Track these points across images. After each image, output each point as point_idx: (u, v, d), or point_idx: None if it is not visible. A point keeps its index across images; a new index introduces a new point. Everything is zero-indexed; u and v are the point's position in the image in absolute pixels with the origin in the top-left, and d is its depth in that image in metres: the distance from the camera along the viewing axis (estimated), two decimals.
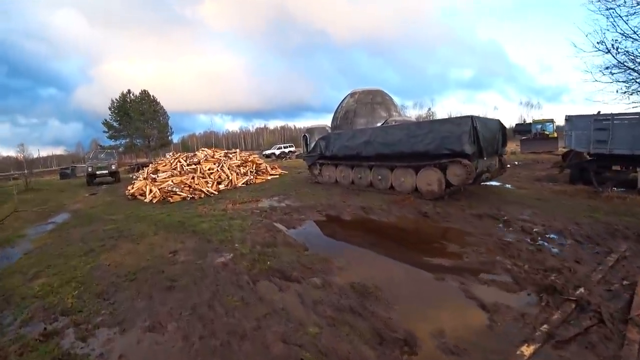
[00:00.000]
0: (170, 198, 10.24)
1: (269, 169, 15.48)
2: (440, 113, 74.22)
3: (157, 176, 11.91)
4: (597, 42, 9.65)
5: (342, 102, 41.36)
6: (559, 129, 24.20)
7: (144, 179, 12.23)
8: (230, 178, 12.50)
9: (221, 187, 11.84)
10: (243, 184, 12.74)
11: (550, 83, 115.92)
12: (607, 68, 9.97)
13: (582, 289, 3.62)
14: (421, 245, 5.10)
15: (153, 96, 41.92)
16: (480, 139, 7.84)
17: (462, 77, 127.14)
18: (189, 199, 10.28)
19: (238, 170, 13.49)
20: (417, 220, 6.62)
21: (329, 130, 41.45)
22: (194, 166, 12.61)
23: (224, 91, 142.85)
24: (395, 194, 9.06)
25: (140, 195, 11.22)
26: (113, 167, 18.82)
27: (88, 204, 11.10)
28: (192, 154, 14.46)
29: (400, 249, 4.94)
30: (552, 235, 5.38)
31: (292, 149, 41.11)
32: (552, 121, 25.95)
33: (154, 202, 10.27)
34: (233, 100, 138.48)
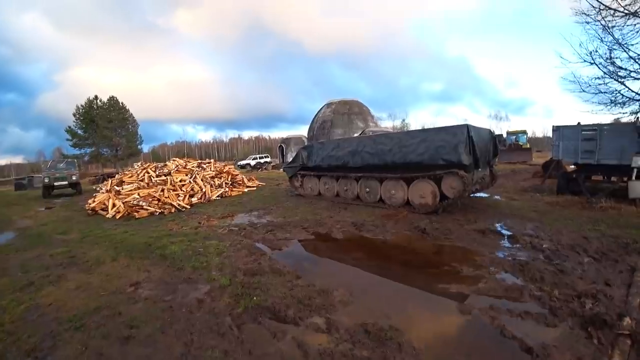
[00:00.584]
0: (136, 213, 9.12)
1: (245, 180, 14.56)
2: (414, 124, 75.77)
3: (122, 188, 10.71)
4: (588, 54, 9.71)
5: (318, 112, 41.14)
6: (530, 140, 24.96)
7: (107, 191, 10.98)
8: (203, 190, 11.50)
9: (194, 200, 10.82)
10: (218, 196, 11.77)
11: (515, 97, 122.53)
12: (597, 78, 10.04)
13: (627, 319, 3.10)
14: (430, 269, 4.46)
15: (122, 103, 39.76)
16: (476, 148, 7.46)
17: (433, 90, 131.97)
18: (157, 214, 9.21)
19: (212, 182, 12.50)
20: (417, 238, 6.01)
21: (305, 141, 40.98)
22: (163, 177, 11.51)
23: (196, 100, 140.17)
24: (385, 208, 8.49)
25: (102, 209, 9.99)
26: (74, 178, 17.18)
27: (39, 220, 9.72)
28: (161, 164, 13.32)
29: (408, 273, 4.28)
30: (565, 252, 4.93)
31: (268, 159, 40.12)
32: (525, 132, 26.76)
33: (118, 217, 9.11)
34: (206, 109, 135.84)
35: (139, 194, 9.92)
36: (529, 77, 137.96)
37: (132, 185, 10.85)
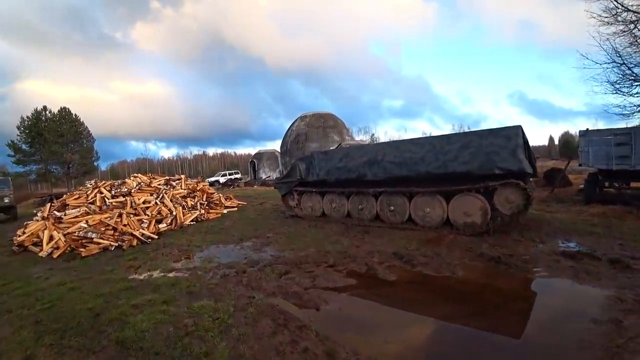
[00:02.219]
0: (82, 249, 6.65)
1: (222, 199, 12.30)
2: (383, 138, 76.21)
3: (64, 214, 8.12)
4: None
5: (292, 125, 39.39)
6: None
7: (44, 218, 8.32)
8: (174, 214, 9.16)
9: (162, 227, 8.47)
10: (192, 221, 9.47)
11: (471, 112, 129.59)
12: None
13: None
14: None
15: (75, 115, 35.41)
16: (531, 154, 6.04)
17: (394, 107, 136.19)
18: (113, 248, 6.81)
19: (184, 203, 10.17)
20: (496, 271, 4.35)
21: (278, 156, 38.89)
22: (122, 199, 9.05)
23: (157, 117, 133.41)
24: (416, 230, 6.77)
25: (36, 244, 7.39)
26: (6, 200, 14.01)
27: None
28: (119, 181, 10.75)
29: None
30: None
31: (238, 175, 37.53)
32: None
33: (56, 256, 6.59)
34: (167, 126, 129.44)
35: (87, 222, 7.44)
36: (480, 94, 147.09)
37: (78, 209, 8.30)
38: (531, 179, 7.31)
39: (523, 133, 5.99)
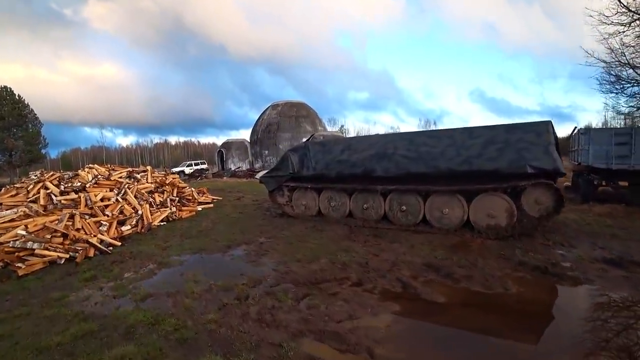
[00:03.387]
0: (20, 265, 5.14)
1: (195, 194, 10.89)
2: (352, 130, 75.99)
3: None
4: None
5: (262, 114, 37.64)
6: None
7: None
8: (140, 213, 7.72)
9: (126, 229, 7.06)
10: (163, 221, 8.08)
11: (434, 107, 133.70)
12: None
13: None
14: None
15: (19, 96, 31.12)
16: (560, 153, 5.49)
17: (360, 99, 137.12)
18: (63, 261, 5.37)
19: (152, 199, 8.71)
20: (553, 287, 3.71)
21: (248, 146, 37.07)
22: (74, 195, 7.45)
23: (114, 102, 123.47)
24: (432, 232, 6.03)
25: None
26: None
27: None
28: (71, 173, 8.97)
29: None
30: None
31: (205, 166, 35.36)
32: None
33: None
34: (125, 112, 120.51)
35: (26, 228, 5.87)
36: (443, 90, 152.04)
37: (14, 211, 6.64)
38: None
39: (553, 129, 5.43)
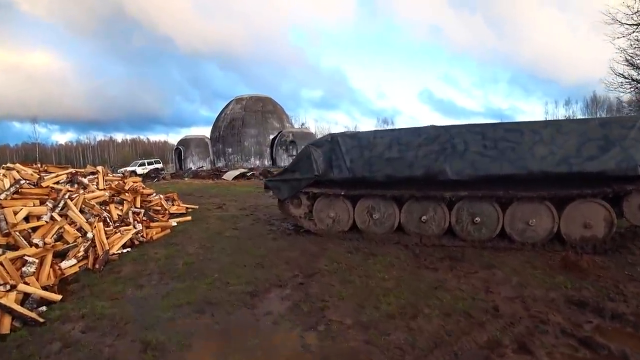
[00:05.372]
0: None
1: (164, 203, 8.31)
2: (314, 129, 74.26)
3: None
4: None
5: (225, 108, 34.43)
6: None
7: None
8: (90, 236, 5.16)
9: (68, 265, 4.53)
10: (125, 246, 5.57)
11: (386, 106, 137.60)
12: None
13: None
14: None
15: None
16: None
17: (313, 97, 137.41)
18: None
19: (107, 214, 6.09)
20: None
21: (209, 142, 33.66)
22: None
23: (48, 94, 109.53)
24: (515, 248, 4.90)
25: None
26: None
27: None
28: None
29: None
30: None
31: (160, 165, 31.50)
32: None
33: None
34: (61, 106, 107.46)
35: None
36: (394, 90, 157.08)
37: None
38: None
39: None
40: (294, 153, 30.80)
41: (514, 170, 4.72)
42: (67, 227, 5.14)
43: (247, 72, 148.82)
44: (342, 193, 5.60)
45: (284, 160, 30.64)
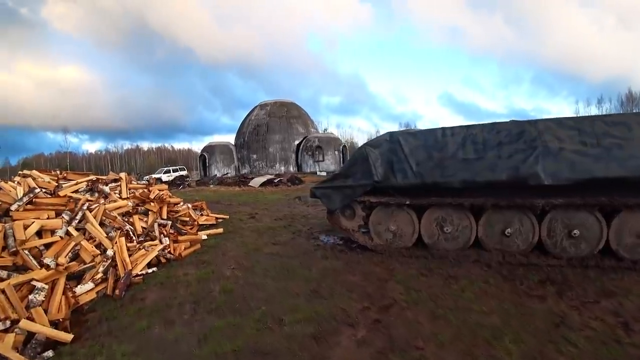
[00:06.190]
0: None
1: (192, 214, 7.53)
2: (337, 135, 73.32)
3: None
4: None
5: (249, 114, 34.07)
6: None
7: None
8: (111, 254, 4.37)
9: (84, 291, 3.73)
10: (150, 265, 4.75)
11: (406, 110, 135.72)
12: None
13: None
14: None
15: None
16: None
17: (333, 103, 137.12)
18: None
19: (130, 227, 5.32)
20: None
21: (233, 149, 33.32)
22: None
23: (78, 106, 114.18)
24: (625, 268, 3.87)
25: None
26: None
27: None
28: None
29: None
30: None
31: (185, 172, 31.39)
32: None
33: None
34: (91, 117, 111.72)
35: None
36: (413, 94, 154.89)
37: None
38: None
39: None
40: (320, 158, 29.93)
41: (624, 172, 3.73)
42: (84, 243, 4.37)
43: (266, 80, 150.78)
44: (407, 202, 4.58)
45: (310, 167, 29.84)
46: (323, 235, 6.19)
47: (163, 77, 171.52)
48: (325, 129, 72.37)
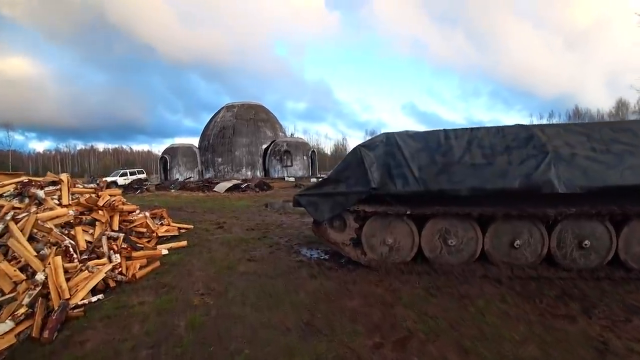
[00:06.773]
0: None
1: (150, 223, 6.51)
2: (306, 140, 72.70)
3: None
4: None
5: (215, 115, 32.60)
6: None
7: None
8: (42, 279, 3.39)
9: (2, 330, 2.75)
10: (94, 294, 3.79)
11: (371, 118, 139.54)
12: None
13: None
14: None
15: None
16: None
17: (298, 109, 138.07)
18: None
19: (71, 242, 4.29)
20: None
21: (197, 152, 31.60)
22: None
23: (24, 101, 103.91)
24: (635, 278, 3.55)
25: None
26: None
27: None
28: None
29: None
30: None
31: (143, 175, 29.18)
32: None
33: None
34: (38, 113, 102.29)
35: None
36: (378, 102, 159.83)
37: None
38: None
39: None
40: (289, 163, 29.14)
41: (636, 180, 3.58)
42: (3, 265, 3.35)
43: (232, 82, 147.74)
44: (408, 212, 4.03)
45: (278, 172, 28.96)
46: (304, 248, 5.50)
47: (121, 74, 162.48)
48: (292, 134, 71.65)
